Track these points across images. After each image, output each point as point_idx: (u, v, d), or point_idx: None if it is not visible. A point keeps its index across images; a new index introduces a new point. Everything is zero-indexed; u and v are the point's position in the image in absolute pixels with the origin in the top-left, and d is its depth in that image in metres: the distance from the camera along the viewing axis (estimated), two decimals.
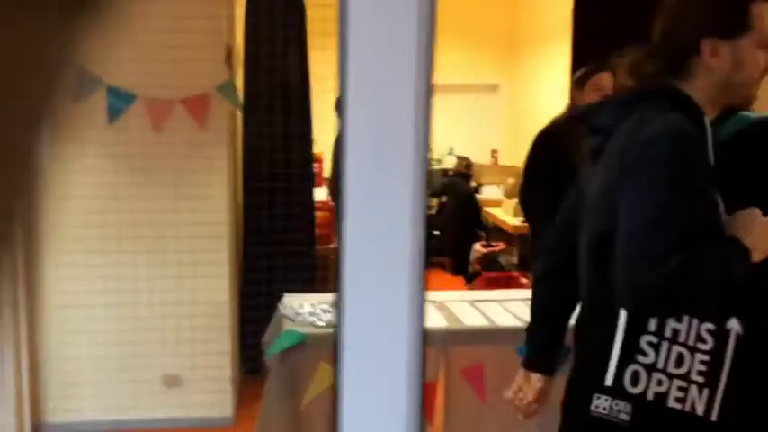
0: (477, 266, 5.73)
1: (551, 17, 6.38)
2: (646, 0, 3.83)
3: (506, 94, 7.66)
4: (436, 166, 7.52)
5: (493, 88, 7.71)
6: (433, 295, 3.02)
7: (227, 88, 3.13)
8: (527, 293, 3.19)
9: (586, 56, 3.83)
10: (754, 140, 2.18)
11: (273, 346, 2.52)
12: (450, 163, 7.45)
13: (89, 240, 3.13)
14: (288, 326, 2.65)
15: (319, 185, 5.40)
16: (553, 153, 3.21)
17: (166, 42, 3.04)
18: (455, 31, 7.33)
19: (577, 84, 3.22)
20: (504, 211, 5.95)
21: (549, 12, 6.46)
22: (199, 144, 3.16)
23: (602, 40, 4.07)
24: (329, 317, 2.65)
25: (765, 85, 2.06)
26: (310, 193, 3.99)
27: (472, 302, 2.93)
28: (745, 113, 2.30)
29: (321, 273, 5.21)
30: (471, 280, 5.77)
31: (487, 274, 5.54)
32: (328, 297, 3.04)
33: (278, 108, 3.79)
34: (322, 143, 5.79)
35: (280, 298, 3.13)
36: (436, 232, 6.74)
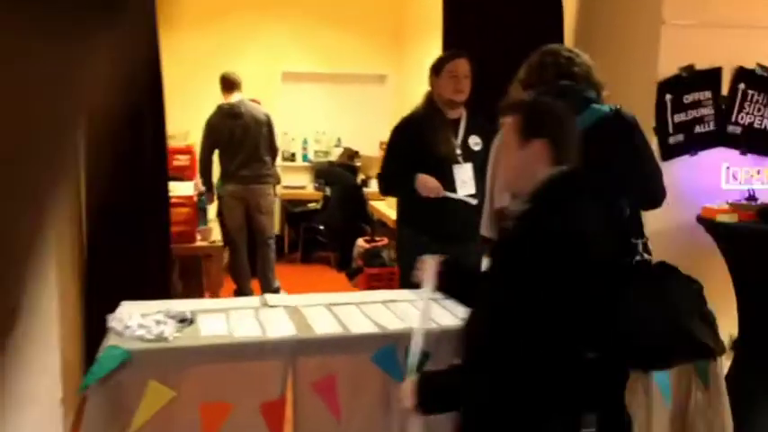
0: (360, 262, 5.55)
1: (432, 9, 6.25)
2: None
3: (393, 85, 7.51)
4: (323, 158, 7.29)
5: (381, 79, 7.55)
6: (285, 299, 2.79)
7: None
8: (390, 295, 3.02)
9: (455, 45, 3.71)
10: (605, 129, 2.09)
11: (91, 372, 2.20)
12: (337, 155, 7.23)
13: None
14: (114, 341, 2.35)
15: (190, 179, 5.04)
16: (413, 141, 3.05)
17: None
18: (346, 21, 7.11)
19: (434, 71, 3.08)
20: (387, 205, 5.80)
21: (430, 3, 6.33)
22: None
23: (468, 30, 3.99)
24: (162, 329, 2.36)
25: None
26: (164, 188, 3.66)
27: (329, 306, 2.72)
28: (597, 106, 2.21)
29: (189, 274, 4.87)
30: (353, 276, 5.58)
31: (369, 270, 5.37)
32: (170, 304, 2.74)
33: (124, 96, 3.43)
34: (197, 135, 5.44)
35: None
36: (321, 227, 6.51)
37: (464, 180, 3.05)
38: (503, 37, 3.71)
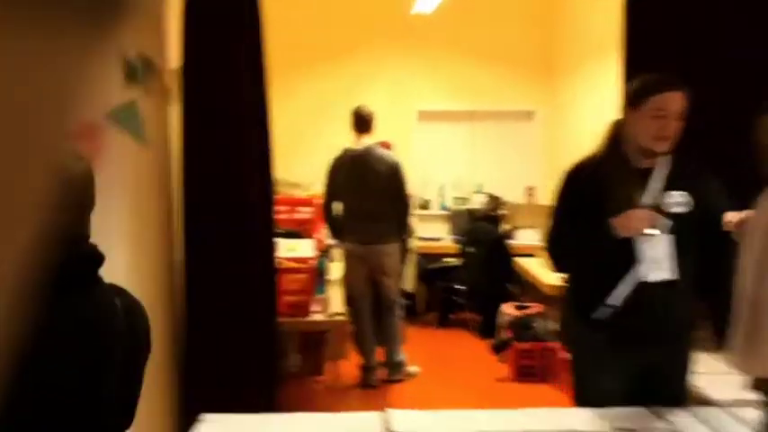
0: (508, 333, 4.65)
1: (594, 32, 5.34)
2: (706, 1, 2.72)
3: (542, 122, 6.61)
4: (462, 206, 6.48)
5: (528, 115, 6.67)
6: (414, 421, 1.97)
7: (123, 114, 2.19)
8: (565, 420, 2.13)
9: (641, 68, 2.79)
10: None
11: None
12: (478, 202, 6.41)
13: None
14: None
15: (311, 234, 4.42)
16: (587, 195, 2.17)
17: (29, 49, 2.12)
18: (488, 53, 6.37)
19: (631, 102, 2.17)
20: (541, 264, 4.87)
21: (592, 26, 5.42)
22: None
23: (659, 49, 3.06)
24: None
25: None
26: (269, 248, 3.02)
27: None
28: None
29: (310, 344, 4.20)
30: (501, 350, 4.69)
31: (519, 345, 4.45)
32: (262, 423, 2.03)
33: (230, 145, 2.86)
34: (322, 184, 4.84)
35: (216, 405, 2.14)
36: (460, 286, 5.67)
37: (656, 258, 2.10)
38: (711, 56, 2.76)
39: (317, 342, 4.27)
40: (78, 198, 1.16)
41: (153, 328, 2.77)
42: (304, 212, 4.62)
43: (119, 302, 1.21)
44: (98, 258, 1.19)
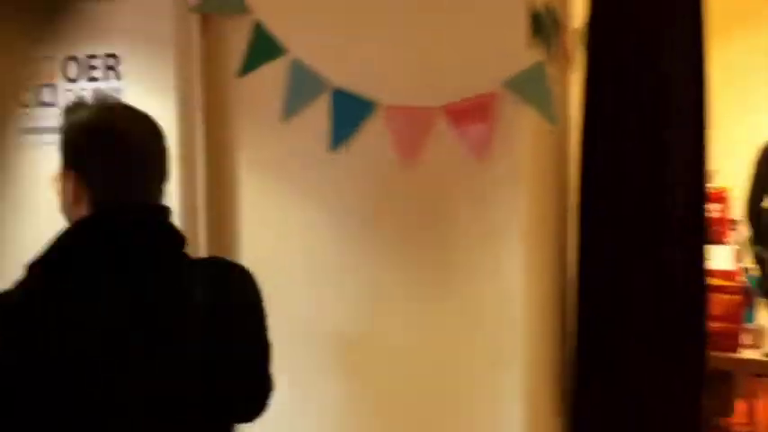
0: None
1: None
2: None
3: None
4: None
5: None
6: None
7: (528, 80, 1.68)
8: None
9: None
10: None
11: None
12: None
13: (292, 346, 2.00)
14: None
15: (721, 240, 3.50)
16: None
17: (414, 10, 1.74)
18: None
19: None
20: None
21: None
22: (478, 184, 1.78)
23: None
24: None
25: None
26: (699, 255, 2.27)
27: None
28: None
29: (716, 377, 3.31)
30: None
31: None
32: None
33: (645, 124, 2.19)
34: (735, 174, 3.88)
35: None
36: None
37: None
38: None
39: (724, 376, 3.35)
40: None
41: (536, 346, 2.27)
42: (711, 211, 3.73)
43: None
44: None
